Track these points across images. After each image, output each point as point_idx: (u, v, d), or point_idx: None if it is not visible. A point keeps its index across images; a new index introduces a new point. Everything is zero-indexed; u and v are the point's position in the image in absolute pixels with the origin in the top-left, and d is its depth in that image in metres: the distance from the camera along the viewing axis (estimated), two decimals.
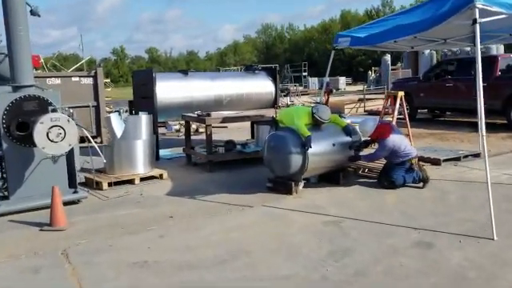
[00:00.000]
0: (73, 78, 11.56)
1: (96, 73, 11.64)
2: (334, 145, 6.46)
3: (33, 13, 6.00)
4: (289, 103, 10.32)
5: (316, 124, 6.51)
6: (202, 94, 9.86)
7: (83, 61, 24.50)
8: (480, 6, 4.89)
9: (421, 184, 6.34)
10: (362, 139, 6.75)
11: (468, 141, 10.39)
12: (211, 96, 9.97)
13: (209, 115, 8.21)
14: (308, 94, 31.18)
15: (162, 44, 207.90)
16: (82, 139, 7.41)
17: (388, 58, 36.89)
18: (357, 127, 6.98)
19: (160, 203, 6.15)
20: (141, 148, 7.47)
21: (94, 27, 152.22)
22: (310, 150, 6.04)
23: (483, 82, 11.79)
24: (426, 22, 5.73)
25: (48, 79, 11.11)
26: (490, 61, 12.36)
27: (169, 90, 9.54)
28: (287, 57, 67.48)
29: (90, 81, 11.58)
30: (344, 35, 7.06)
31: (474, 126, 12.71)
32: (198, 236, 4.80)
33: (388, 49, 9.07)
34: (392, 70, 32.52)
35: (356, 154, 6.55)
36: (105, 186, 6.94)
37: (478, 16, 4.90)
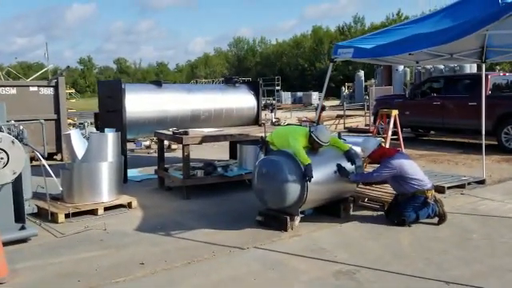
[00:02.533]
0: (31, 88, 10.29)
1: (57, 82, 10.42)
2: (335, 172, 5.54)
3: None
4: (273, 120, 9.35)
5: (313, 146, 5.59)
6: (177, 108, 8.80)
7: (45, 69, 22.97)
8: None
9: (435, 219, 5.48)
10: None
11: (463, 164, 9.75)
12: (187, 110, 8.92)
13: (186, 133, 7.18)
14: (282, 109, 30.43)
15: (133, 55, 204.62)
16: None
17: (362, 73, 36.81)
18: (358, 149, 6.11)
19: (128, 242, 5.05)
20: (106, 172, 6.34)
21: (63, 36, 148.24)
22: None
23: (472, 101, 11.61)
24: (456, 31, 4.94)
25: (1, 88, 9.83)
26: (480, 79, 11.85)
27: (140, 103, 8.43)
28: (259, 70, 66.82)
29: (50, 91, 10.34)
30: (345, 46, 6.22)
31: (462, 147, 12.25)
32: None
33: (390, 62, 8.32)
34: (368, 85, 32.27)
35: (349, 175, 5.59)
36: (61, 217, 5.78)
37: None
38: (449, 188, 7.21)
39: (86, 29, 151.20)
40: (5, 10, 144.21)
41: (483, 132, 7.91)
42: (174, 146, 11.87)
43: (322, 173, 5.39)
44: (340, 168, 5.51)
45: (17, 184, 4.96)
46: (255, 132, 7.77)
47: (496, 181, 7.90)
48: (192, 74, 79.25)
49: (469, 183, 7.53)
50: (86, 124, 13.83)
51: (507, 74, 13.90)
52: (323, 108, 9.11)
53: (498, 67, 28.16)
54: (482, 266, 4.22)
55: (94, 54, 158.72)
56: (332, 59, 6.61)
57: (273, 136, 5.97)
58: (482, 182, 7.63)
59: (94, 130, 12.27)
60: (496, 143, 11.37)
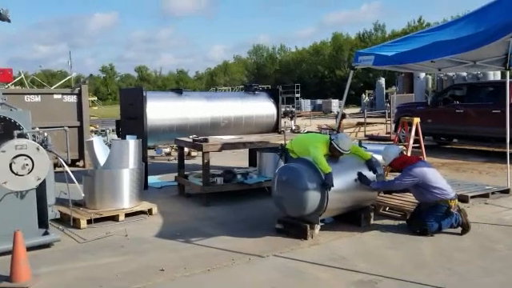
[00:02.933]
0: (54, 96, 10.50)
1: (80, 90, 10.61)
2: (356, 180, 5.48)
3: (1, 17, 5.01)
4: (293, 127, 9.33)
5: (333, 154, 5.55)
6: (197, 116, 8.86)
7: (69, 77, 23.44)
8: None
9: (459, 229, 5.37)
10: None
11: (487, 173, 9.54)
12: (207, 118, 8.97)
13: (206, 141, 7.22)
14: (301, 116, 30.36)
15: (153, 63, 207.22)
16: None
17: (382, 81, 36.46)
18: (379, 157, 6.04)
19: (148, 249, 5.08)
20: (127, 178, 6.41)
21: (85, 44, 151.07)
22: None
23: (496, 108, 11.40)
24: (479, 38, 4.87)
25: (26, 96, 10.05)
26: (504, 87, 11.62)
27: (160, 110, 8.52)
28: (278, 78, 66.83)
29: (73, 99, 10.54)
30: (365, 53, 6.18)
31: (486, 155, 12.01)
32: None
33: (411, 70, 8.24)
34: (389, 93, 31.93)
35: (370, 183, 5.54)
36: (83, 223, 5.85)
37: None
38: (472, 197, 7.07)
39: (108, 37, 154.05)
40: (28, 19, 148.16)
41: (507, 140, 7.73)
42: (193, 153, 11.93)
43: (342, 181, 5.35)
44: (361, 176, 5.45)
45: (41, 190, 5.05)
46: (275, 139, 7.76)
47: None
48: (211, 82, 79.79)
49: (493, 192, 7.39)
50: (107, 131, 14.11)
51: None
52: (343, 115, 9.05)
53: None
54: (506, 278, 4.11)
55: (116, 62, 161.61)
56: (352, 67, 6.59)
57: (293, 144, 5.95)
58: (506, 192, 7.46)
59: (116, 137, 12.45)
60: None
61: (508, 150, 7.84)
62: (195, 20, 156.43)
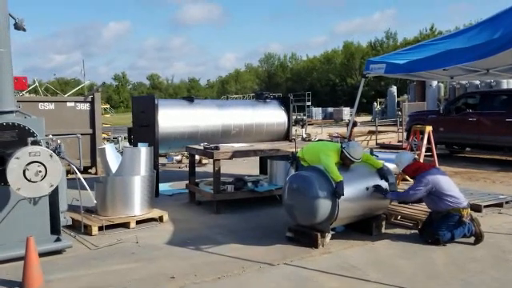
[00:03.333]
0: (68, 103, 10.63)
1: (93, 98, 10.73)
2: (367, 189, 5.46)
3: (17, 26, 5.09)
4: (304, 135, 9.31)
5: (345, 163, 5.53)
6: (208, 124, 8.91)
7: (82, 85, 23.71)
8: None
9: (472, 239, 5.30)
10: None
11: (500, 182, 9.43)
12: (218, 126, 9.02)
13: (217, 148, 7.24)
14: (312, 125, 30.31)
15: (165, 71, 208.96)
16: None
17: (394, 89, 36.31)
18: (390, 165, 6.01)
19: (159, 256, 5.09)
20: (138, 185, 6.45)
21: (98, 53, 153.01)
22: None
23: (510, 117, 11.27)
24: (492, 46, 4.83)
25: (40, 104, 10.19)
26: None
27: (172, 118, 8.59)
28: (289, 86, 66.91)
29: (86, 106, 10.66)
30: (377, 61, 6.17)
31: (499, 164, 11.88)
32: None
33: (423, 78, 8.20)
34: (400, 101, 31.77)
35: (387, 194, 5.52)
36: (94, 230, 5.89)
37: None
38: (486, 207, 6.98)
39: (121, 46, 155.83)
40: (44, 28, 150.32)
41: None
42: (204, 161, 11.97)
43: (354, 189, 5.32)
44: (378, 188, 5.44)
45: (53, 196, 5.11)
46: (285, 147, 7.76)
47: None
48: (223, 90, 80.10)
49: (507, 202, 7.28)
50: (119, 138, 14.21)
51: None
52: (355, 124, 9.02)
53: None
54: None
55: (128, 70, 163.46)
56: (364, 75, 6.57)
57: (304, 152, 5.94)
58: None
59: (128, 144, 12.55)
60: None
61: None
62: (207, 29, 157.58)
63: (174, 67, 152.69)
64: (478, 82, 24.15)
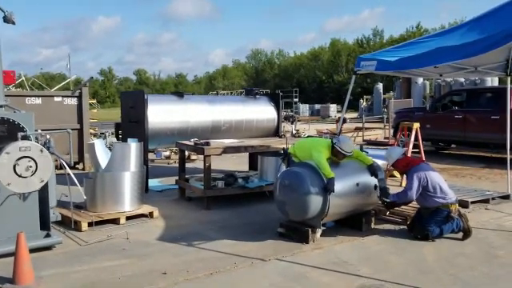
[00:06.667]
0: (55, 98, 10.50)
1: (81, 93, 10.62)
2: (357, 185, 5.50)
3: (6, 19, 5.01)
4: (293, 132, 9.35)
5: (336, 158, 5.56)
6: (198, 119, 8.87)
7: (68, 80, 23.44)
8: None
9: (460, 234, 5.38)
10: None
11: (486, 178, 9.57)
12: (208, 121, 8.98)
13: (208, 144, 7.23)
14: (300, 121, 30.38)
15: (153, 66, 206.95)
16: (62, 165, 6.33)
17: (380, 86, 36.53)
18: (380, 162, 6.07)
19: (150, 252, 5.08)
20: (128, 181, 6.41)
21: (87, 47, 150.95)
22: None
23: (495, 114, 11.43)
24: (484, 43, 4.90)
25: (27, 98, 10.05)
26: (503, 93, 11.68)
27: (162, 113, 8.54)
28: (277, 82, 66.93)
29: (74, 101, 10.55)
30: (368, 58, 6.21)
31: (484, 161, 12.05)
32: None
33: (412, 75, 8.28)
34: (386, 98, 32.01)
35: (383, 200, 5.56)
36: (84, 226, 5.84)
37: None
38: (473, 203, 7.09)
39: (110, 40, 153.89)
40: (32, 22, 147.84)
41: (508, 146, 7.76)
42: (193, 157, 11.94)
43: (344, 186, 5.36)
44: (382, 190, 5.48)
45: (43, 192, 5.05)
46: (276, 143, 7.78)
47: None
48: (210, 86, 79.85)
49: (493, 198, 7.40)
50: (106, 134, 14.08)
51: None
52: (344, 120, 9.09)
53: None
54: (510, 285, 4.11)
55: (115, 65, 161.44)
56: (355, 72, 6.60)
57: (295, 148, 5.96)
58: (506, 197, 7.47)
59: (115, 140, 12.45)
60: None
61: (508, 156, 7.86)
62: (198, 24, 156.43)
63: (162, 63, 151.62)
64: (462, 80, 24.47)
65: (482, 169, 10.80)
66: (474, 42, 5.07)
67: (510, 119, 7.53)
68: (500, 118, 10.69)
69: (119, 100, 10.86)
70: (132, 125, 8.48)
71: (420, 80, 27.95)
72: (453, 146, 14.11)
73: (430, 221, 5.32)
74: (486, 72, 7.10)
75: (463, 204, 6.93)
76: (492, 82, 23.39)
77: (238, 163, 10.62)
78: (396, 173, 8.09)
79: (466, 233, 5.34)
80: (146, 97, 8.23)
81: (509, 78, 7.43)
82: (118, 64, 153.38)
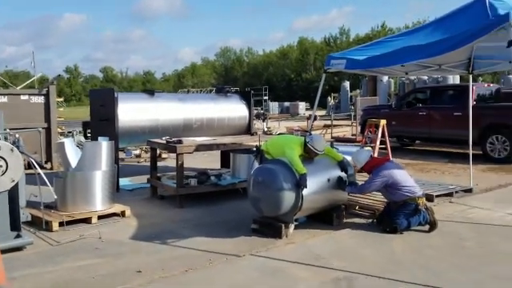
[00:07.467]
0: (21, 97, 10.25)
1: (48, 91, 10.39)
2: (329, 180, 5.64)
3: None
4: (265, 129, 9.45)
5: (308, 156, 5.69)
6: (169, 117, 8.85)
7: (34, 78, 22.78)
8: None
9: (426, 227, 5.60)
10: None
11: (449, 173, 9.92)
12: (180, 120, 8.98)
13: (180, 142, 7.23)
14: (270, 119, 30.56)
15: (121, 64, 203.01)
16: (29, 165, 6.20)
17: (347, 84, 37.17)
18: (349, 158, 6.23)
19: (124, 251, 5.06)
20: (100, 180, 6.34)
21: (53, 45, 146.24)
22: None
23: (458, 111, 11.85)
24: (449, 43, 5.11)
25: None
26: (465, 90, 12.12)
27: (132, 112, 8.48)
28: (246, 80, 66.99)
29: (41, 99, 10.32)
30: (337, 57, 6.36)
31: (448, 156, 12.47)
32: None
33: (380, 73, 8.50)
34: (353, 96, 32.61)
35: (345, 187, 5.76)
36: (55, 226, 5.76)
37: None
38: (437, 196, 7.34)
39: (77, 38, 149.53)
40: None
41: (470, 142, 8.08)
42: (164, 155, 11.87)
43: (316, 181, 5.49)
44: (340, 181, 5.64)
45: (13, 192, 4.95)
46: (248, 141, 7.85)
47: (483, 189, 8.02)
48: (179, 84, 79.08)
49: (456, 192, 7.68)
50: (74, 133, 13.82)
51: (491, 85, 14.25)
52: (315, 118, 9.27)
53: (480, 78, 28.79)
54: (480, 275, 4.29)
55: (82, 62, 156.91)
56: (325, 70, 6.74)
57: (268, 145, 6.05)
58: (469, 191, 7.78)
59: (83, 139, 12.25)
60: (481, 153, 11.56)
61: (471, 151, 8.20)
62: (168, 22, 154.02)
63: (131, 60, 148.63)
64: (425, 78, 25.16)
65: (445, 164, 11.17)
66: (439, 41, 5.28)
67: (472, 116, 7.85)
68: (462, 115, 11.08)
69: (86, 98, 10.70)
70: (102, 123, 8.39)
71: (385, 78, 28.60)
72: (417, 142, 14.55)
73: (398, 214, 5.51)
74: (449, 70, 7.37)
75: (428, 198, 7.16)
76: (454, 79, 24.15)
77: (210, 161, 10.63)
78: None
79: (432, 225, 5.56)
80: (116, 95, 8.15)
81: (470, 76, 7.76)
82: (85, 61, 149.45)
